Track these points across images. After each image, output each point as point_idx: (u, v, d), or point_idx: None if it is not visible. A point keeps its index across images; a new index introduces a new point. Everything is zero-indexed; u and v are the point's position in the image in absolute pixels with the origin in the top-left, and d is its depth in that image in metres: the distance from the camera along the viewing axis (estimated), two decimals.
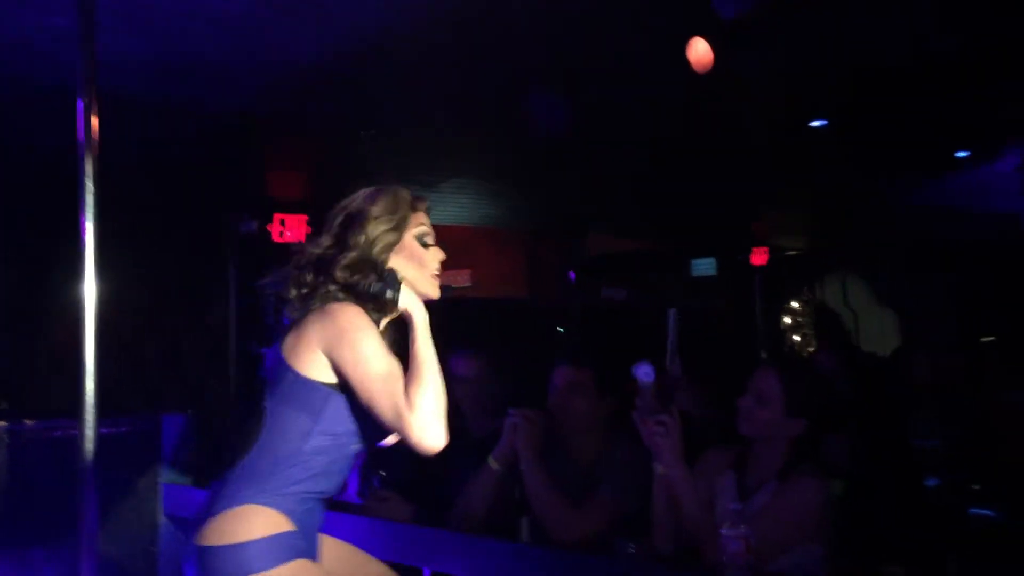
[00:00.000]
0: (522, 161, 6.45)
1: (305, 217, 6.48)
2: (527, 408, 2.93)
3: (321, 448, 1.99)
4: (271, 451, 1.97)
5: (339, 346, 1.95)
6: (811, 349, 11.12)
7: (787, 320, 12.53)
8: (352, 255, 2.06)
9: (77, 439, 3.34)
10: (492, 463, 2.90)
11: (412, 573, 2.67)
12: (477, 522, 2.83)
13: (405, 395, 1.90)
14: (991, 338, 7.28)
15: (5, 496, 4.04)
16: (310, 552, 2.00)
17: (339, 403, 1.99)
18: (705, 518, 2.32)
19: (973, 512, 3.51)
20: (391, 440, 2.13)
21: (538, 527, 2.67)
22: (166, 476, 3.80)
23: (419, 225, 2.16)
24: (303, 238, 6.59)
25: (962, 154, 6.33)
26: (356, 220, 2.09)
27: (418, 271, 2.13)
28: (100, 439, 3.34)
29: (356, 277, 2.04)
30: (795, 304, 12.47)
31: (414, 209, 2.16)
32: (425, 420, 1.88)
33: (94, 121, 3.22)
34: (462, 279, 8.87)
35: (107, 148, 3.33)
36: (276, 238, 6.36)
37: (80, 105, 3.08)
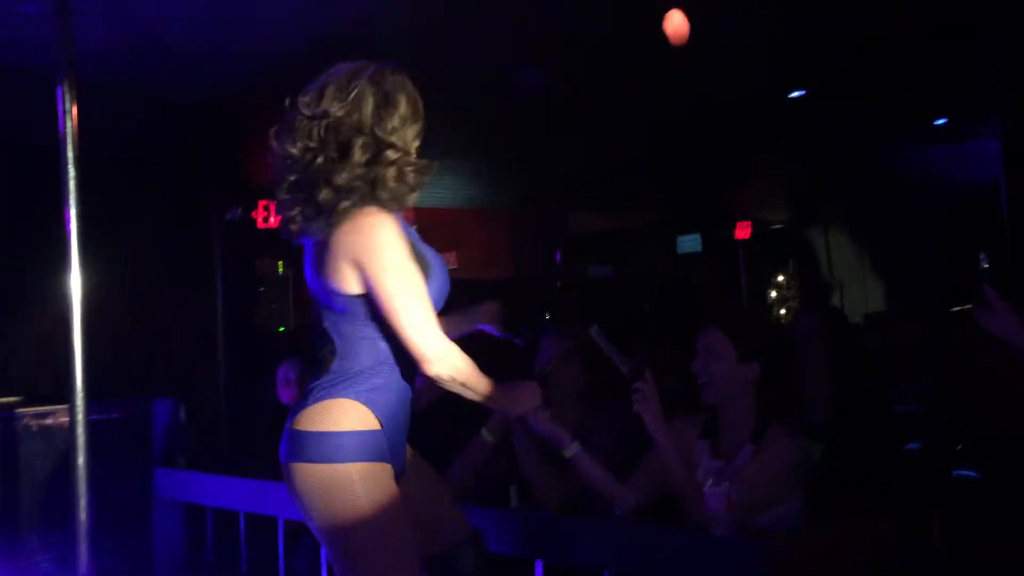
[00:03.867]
0: (502, 139, 6.46)
1: None
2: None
3: (390, 355, 2.02)
4: (353, 359, 2.02)
5: (370, 263, 1.99)
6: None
7: (773, 294, 12.57)
8: (390, 157, 2.07)
9: (69, 426, 3.36)
10: (486, 435, 2.97)
11: None
12: (468, 493, 2.88)
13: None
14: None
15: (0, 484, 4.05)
16: (395, 457, 2.02)
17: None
18: (692, 478, 2.35)
19: (957, 474, 3.55)
20: None
21: (526, 492, 2.71)
22: (158, 460, 3.82)
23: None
24: None
25: (940, 122, 6.38)
26: (382, 108, 2.12)
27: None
28: (91, 425, 3.36)
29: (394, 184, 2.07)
30: (780, 278, 12.51)
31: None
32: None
33: (73, 109, 3.21)
34: (448, 261, 8.84)
35: (88, 136, 3.32)
36: (261, 224, 6.35)
37: (59, 92, 3.07)
